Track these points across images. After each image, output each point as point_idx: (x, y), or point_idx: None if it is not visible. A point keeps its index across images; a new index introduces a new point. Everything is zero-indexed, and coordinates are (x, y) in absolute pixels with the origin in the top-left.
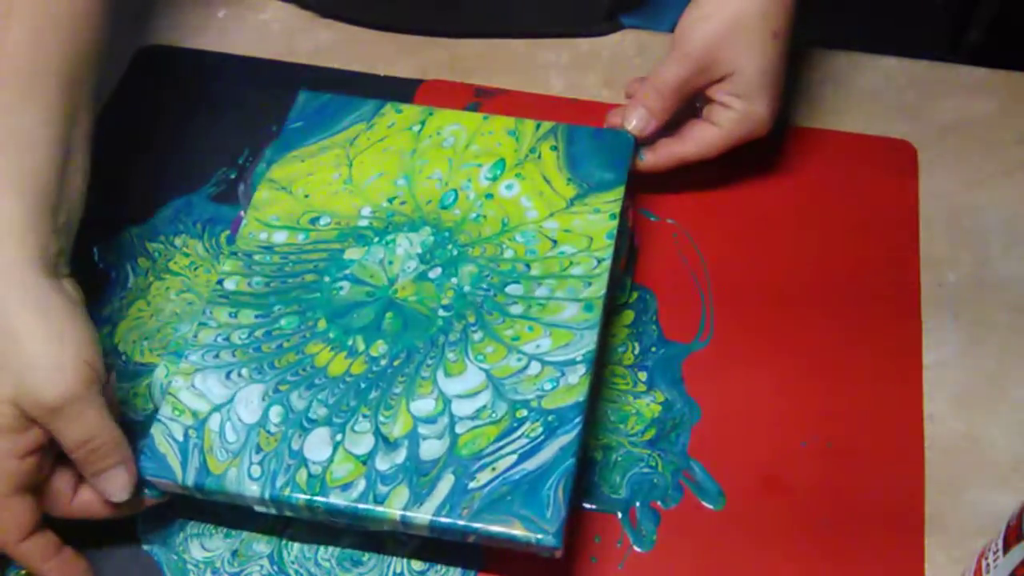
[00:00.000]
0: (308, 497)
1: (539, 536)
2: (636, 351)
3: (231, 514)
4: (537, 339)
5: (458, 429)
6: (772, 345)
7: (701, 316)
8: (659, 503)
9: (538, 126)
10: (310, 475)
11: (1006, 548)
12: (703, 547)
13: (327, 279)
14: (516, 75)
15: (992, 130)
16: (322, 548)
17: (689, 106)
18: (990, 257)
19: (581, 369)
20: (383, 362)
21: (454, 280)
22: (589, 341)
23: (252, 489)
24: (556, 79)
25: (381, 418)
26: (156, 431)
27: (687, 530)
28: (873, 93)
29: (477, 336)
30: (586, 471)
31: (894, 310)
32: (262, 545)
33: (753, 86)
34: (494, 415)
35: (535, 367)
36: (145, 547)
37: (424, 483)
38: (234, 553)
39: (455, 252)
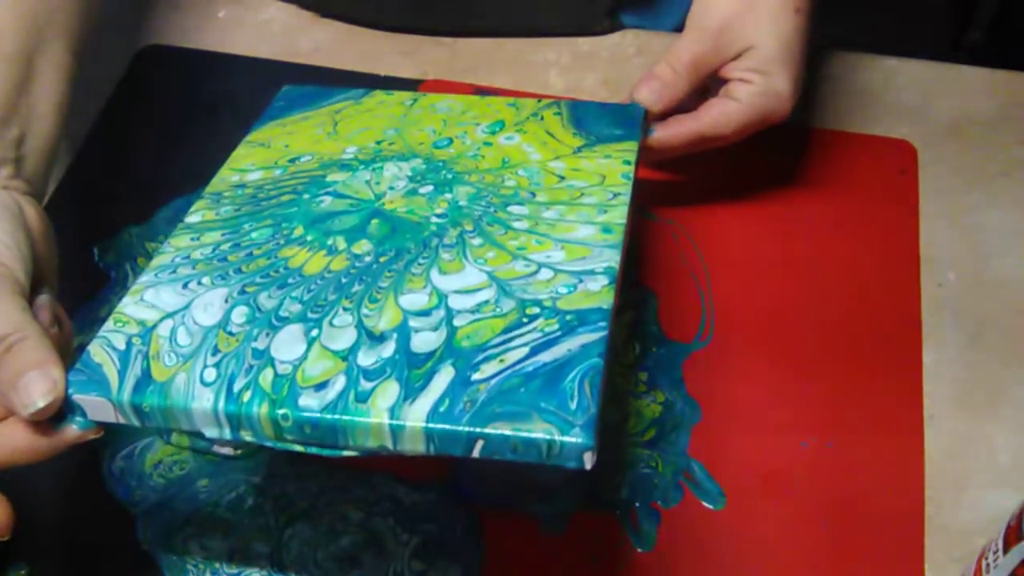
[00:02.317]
0: (272, 401)
1: (564, 438)
2: (636, 351)
3: (230, 513)
4: (548, 251)
5: (456, 322)
6: (772, 345)
7: (701, 316)
8: (659, 503)
9: (539, 100)
10: (276, 375)
11: (1006, 548)
12: (703, 547)
13: (306, 196)
14: (516, 75)
15: (992, 130)
16: (322, 548)
17: (704, 97)
18: (990, 257)
19: (603, 280)
20: (368, 259)
21: (448, 195)
22: (610, 257)
23: (204, 399)
24: (556, 79)
25: (365, 311)
26: (93, 345)
27: (687, 530)
28: (873, 93)
29: (476, 242)
30: (586, 472)
31: (894, 310)
32: (262, 545)
33: (773, 61)
34: (499, 309)
35: (546, 273)
36: (145, 547)
37: (417, 376)
38: (234, 553)
39: (449, 176)
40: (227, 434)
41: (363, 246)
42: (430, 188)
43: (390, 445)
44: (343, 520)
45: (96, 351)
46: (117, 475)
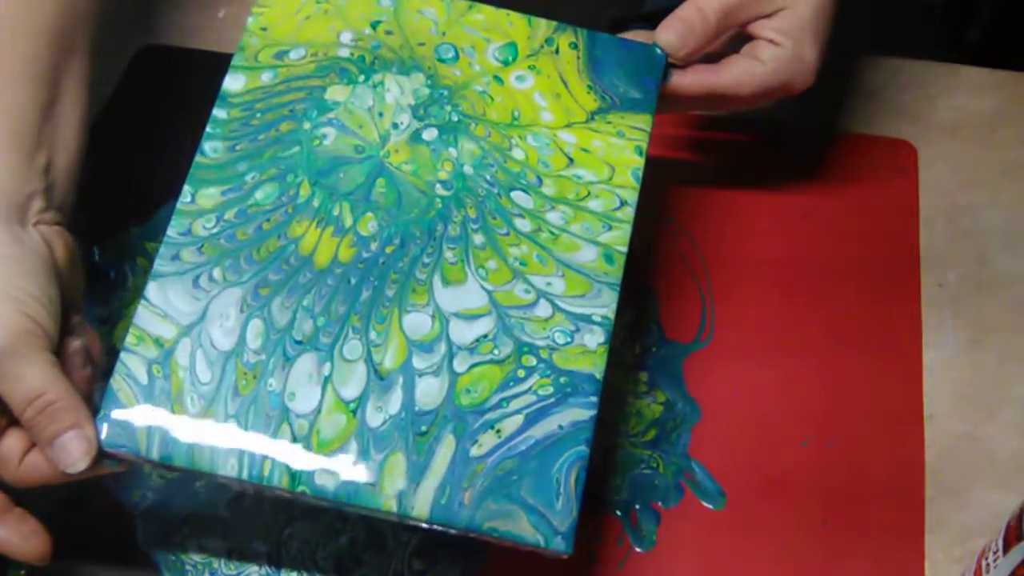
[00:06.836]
0: (292, 476)
1: (546, 545)
2: (636, 351)
3: (229, 512)
4: (548, 276)
5: (457, 365)
6: (772, 345)
7: (701, 316)
8: (659, 503)
9: (552, 24)
10: (294, 436)
11: (1006, 548)
12: (703, 547)
13: (307, 125)
14: None
15: (992, 130)
16: (322, 547)
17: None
18: (990, 257)
19: (600, 336)
20: (373, 246)
21: (453, 151)
22: (608, 302)
23: (228, 466)
24: None
25: (373, 334)
26: (116, 379)
27: (687, 530)
28: (873, 93)
29: (479, 240)
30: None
31: (894, 310)
32: (261, 544)
33: (805, 27)
34: (497, 352)
35: (545, 308)
36: (143, 547)
37: (422, 446)
38: (232, 553)
39: (454, 118)
40: (250, 491)
41: (369, 224)
42: (435, 133)
43: (396, 521)
44: (343, 519)
45: (120, 386)
46: (117, 475)
